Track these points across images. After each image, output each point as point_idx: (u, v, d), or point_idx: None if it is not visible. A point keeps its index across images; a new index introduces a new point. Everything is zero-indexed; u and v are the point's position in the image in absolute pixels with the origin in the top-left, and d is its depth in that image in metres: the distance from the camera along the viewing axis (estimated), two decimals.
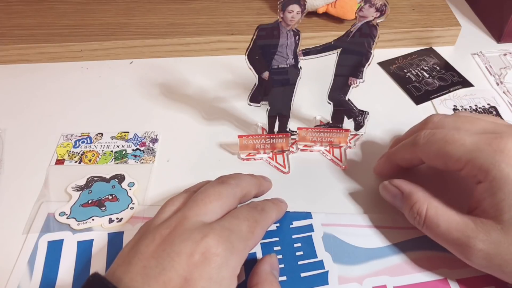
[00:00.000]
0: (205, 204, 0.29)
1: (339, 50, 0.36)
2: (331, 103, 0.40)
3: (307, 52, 0.36)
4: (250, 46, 0.34)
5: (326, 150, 0.42)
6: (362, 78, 0.37)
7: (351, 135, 0.42)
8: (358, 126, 0.42)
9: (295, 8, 0.32)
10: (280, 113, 0.40)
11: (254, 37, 0.34)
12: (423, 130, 0.34)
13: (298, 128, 0.41)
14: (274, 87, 0.37)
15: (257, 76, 0.36)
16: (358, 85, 0.38)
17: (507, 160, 0.28)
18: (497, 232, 0.28)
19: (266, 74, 0.36)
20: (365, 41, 0.35)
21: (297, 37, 0.34)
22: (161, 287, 0.25)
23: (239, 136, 0.40)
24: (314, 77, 0.41)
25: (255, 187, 0.34)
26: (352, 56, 0.36)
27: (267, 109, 0.39)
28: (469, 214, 0.30)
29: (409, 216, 0.33)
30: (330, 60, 0.37)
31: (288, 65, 0.36)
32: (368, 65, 0.36)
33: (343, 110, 0.40)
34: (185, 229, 0.27)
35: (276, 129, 0.41)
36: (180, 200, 0.31)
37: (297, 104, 0.43)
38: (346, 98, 0.39)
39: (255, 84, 0.37)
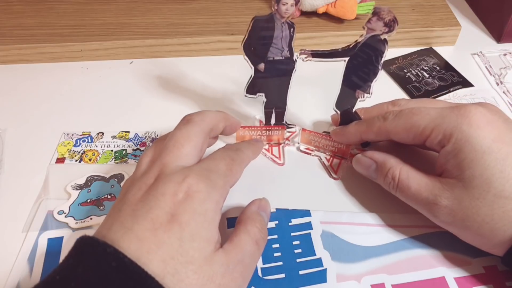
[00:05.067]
0: (178, 148, 0.31)
1: (347, 59, 0.36)
2: (338, 112, 0.39)
3: (316, 54, 0.36)
4: (246, 37, 0.34)
5: (326, 158, 0.41)
6: (369, 94, 0.36)
7: (356, 150, 0.41)
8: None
9: (289, 0, 0.32)
10: (276, 105, 0.40)
11: (250, 28, 0.34)
12: (391, 110, 0.36)
13: (303, 130, 0.41)
14: (268, 79, 0.37)
15: (253, 67, 0.36)
16: (364, 100, 0.37)
17: (468, 121, 0.30)
18: (459, 189, 0.30)
19: (261, 66, 0.36)
20: (372, 55, 0.34)
21: (292, 29, 0.34)
22: (149, 223, 0.26)
23: None
24: (321, 83, 0.41)
25: (222, 120, 0.35)
26: (359, 67, 0.35)
27: (263, 101, 0.39)
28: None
29: (384, 183, 0.35)
30: (335, 66, 0.36)
31: (284, 57, 0.36)
32: (376, 80, 0.36)
33: (349, 120, 0.39)
34: (167, 174, 0.29)
35: (273, 121, 0.42)
36: (152, 151, 0.32)
37: (308, 109, 0.44)
38: (353, 111, 0.39)
39: (251, 75, 0.37)
